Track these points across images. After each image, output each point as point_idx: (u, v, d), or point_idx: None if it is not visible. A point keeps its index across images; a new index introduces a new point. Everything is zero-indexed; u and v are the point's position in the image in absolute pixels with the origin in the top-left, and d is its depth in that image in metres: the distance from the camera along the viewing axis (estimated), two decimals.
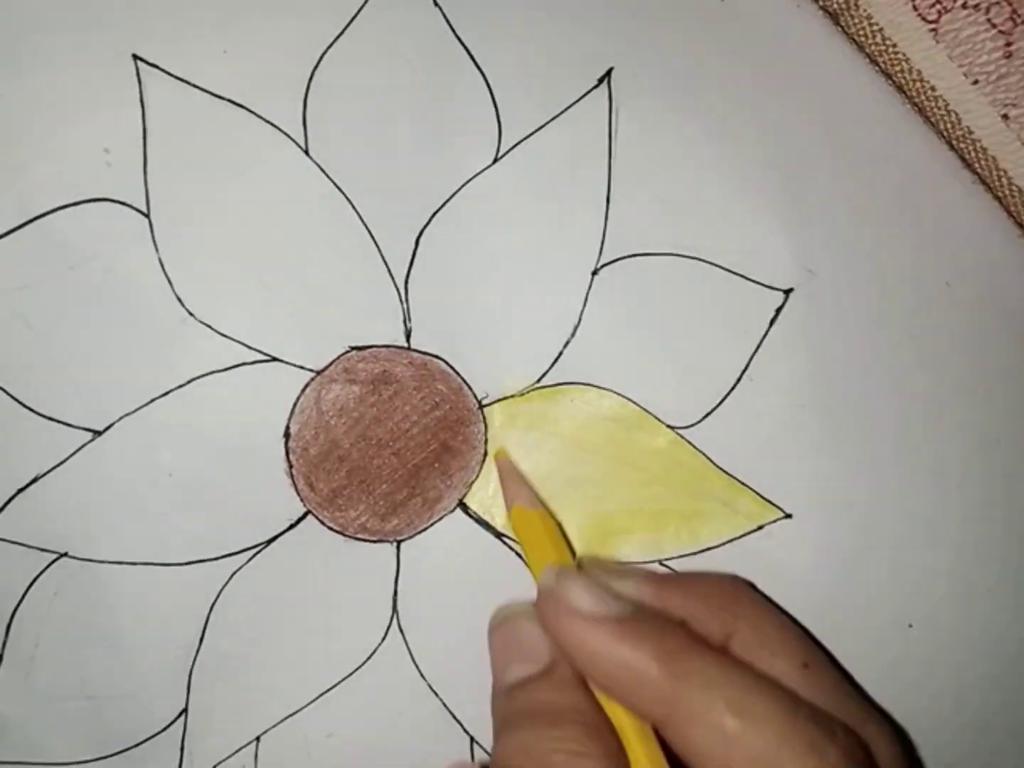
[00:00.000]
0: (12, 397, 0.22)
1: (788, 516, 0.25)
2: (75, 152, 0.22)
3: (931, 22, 0.24)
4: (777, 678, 0.20)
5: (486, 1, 0.23)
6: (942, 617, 0.25)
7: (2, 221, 0.22)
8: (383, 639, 0.24)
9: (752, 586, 0.24)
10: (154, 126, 0.23)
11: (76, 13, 0.22)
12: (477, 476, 0.25)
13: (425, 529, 0.24)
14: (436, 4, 0.23)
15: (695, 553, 0.25)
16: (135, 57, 0.22)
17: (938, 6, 0.24)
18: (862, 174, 0.25)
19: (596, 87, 0.24)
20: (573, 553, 0.24)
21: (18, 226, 0.22)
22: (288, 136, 0.23)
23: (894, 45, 0.24)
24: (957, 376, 0.25)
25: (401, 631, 0.24)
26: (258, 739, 0.24)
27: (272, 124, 0.23)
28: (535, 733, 0.19)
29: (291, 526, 0.23)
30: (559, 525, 0.24)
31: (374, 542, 0.24)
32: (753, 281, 0.25)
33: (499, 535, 0.25)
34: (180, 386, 0.23)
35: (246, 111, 0.23)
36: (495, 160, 0.24)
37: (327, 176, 0.23)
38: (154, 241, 0.23)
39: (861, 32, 0.25)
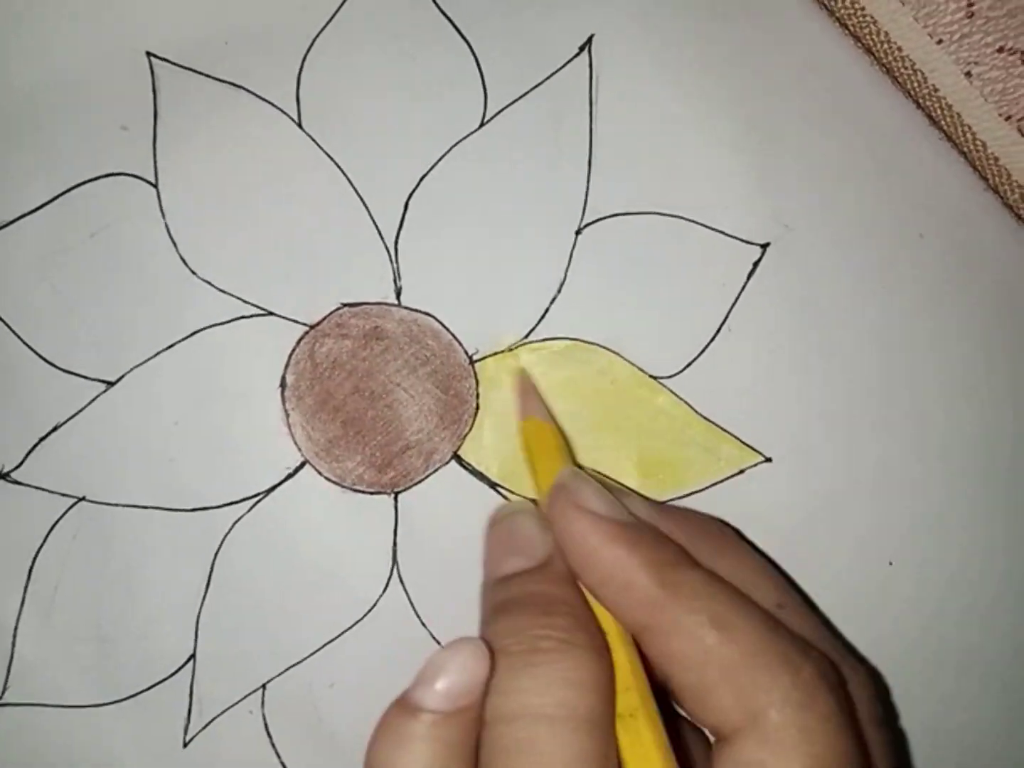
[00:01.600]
0: (35, 352, 0.24)
1: (768, 460, 0.26)
2: (96, 132, 0.24)
3: None
4: None
5: None
6: (920, 554, 0.26)
7: (36, 196, 0.24)
8: (384, 590, 0.25)
9: (737, 532, 0.25)
10: (164, 109, 0.25)
11: (100, 13, 0.25)
12: (470, 429, 0.26)
13: (421, 481, 0.25)
14: None
15: (680, 497, 0.25)
16: (148, 54, 0.25)
17: None
18: (834, 132, 0.26)
19: (577, 55, 0.25)
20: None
21: (49, 200, 0.24)
22: (283, 111, 0.25)
23: (862, 8, 0.25)
24: (931, 322, 0.26)
25: (401, 581, 0.25)
26: (264, 687, 0.25)
27: (268, 101, 0.25)
28: (526, 618, 0.19)
29: (289, 475, 0.25)
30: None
31: (372, 493, 0.25)
32: (731, 236, 0.26)
33: (493, 485, 0.26)
34: (184, 338, 0.24)
35: (245, 91, 0.25)
36: (481, 125, 0.25)
37: (319, 146, 0.25)
38: (161, 209, 0.24)
39: None
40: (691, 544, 0.21)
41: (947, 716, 0.26)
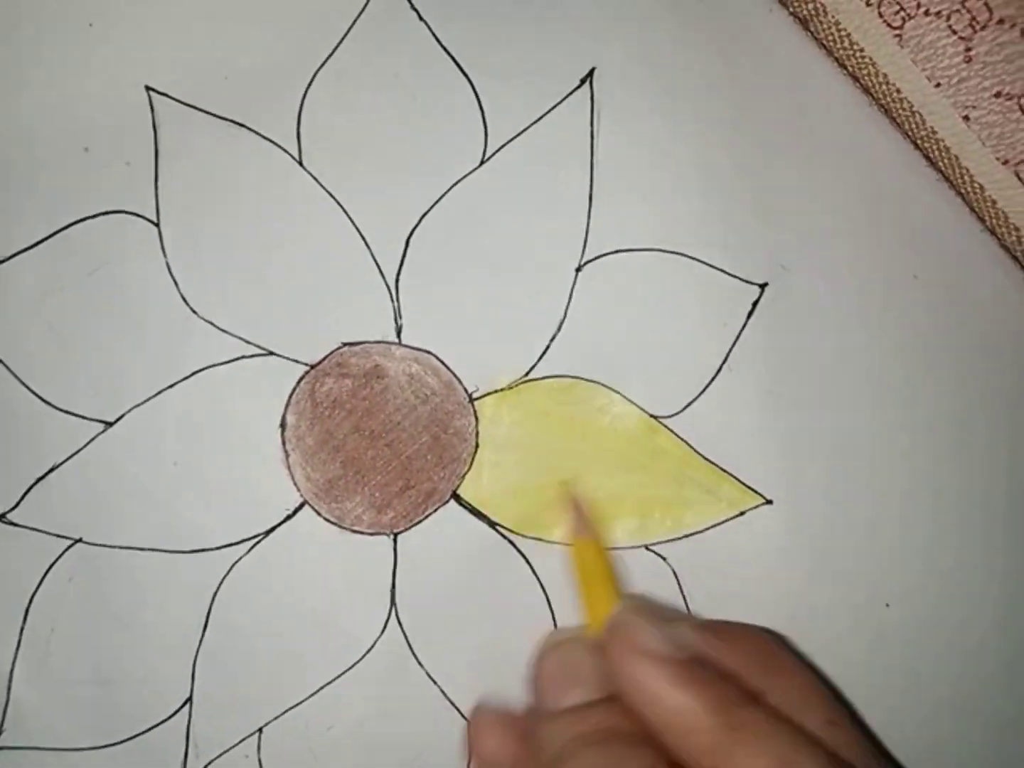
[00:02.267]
0: (33, 392, 0.24)
1: (768, 502, 0.26)
2: (96, 168, 0.24)
3: (896, 28, 0.25)
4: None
5: (470, 11, 0.25)
6: (918, 596, 0.26)
7: (33, 232, 0.24)
8: (382, 631, 0.25)
9: (784, 641, 0.25)
10: (165, 145, 0.25)
11: (98, 49, 0.24)
12: (469, 468, 0.26)
13: (420, 521, 0.25)
14: (421, 19, 0.25)
15: (679, 538, 0.25)
16: (148, 88, 0.24)
17: (902, 13, 0.25)
18: (832, 173, 0.26)
19: (579, 87, 0.25)
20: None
21: (47, 236, 0.24)
22: (283, 149, 0.25)
23: (861, 50, 0.26)
24: (927, 364, 0.26)
25: (400, 623, 0.25)
26: (260, 730, 0.25)
27: (268, 139, 0.25)
28: (614, 752, 0.19)
29: (288, 517, 0.25)
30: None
31: (371, 534, 0.25)
32: (730, 275, 0.26)
33: (493, 524, 0.25)
34: (184, 378, 0.24)
35: (245, 128, 0.25)
36: (481, 162, 0.25)
37: (320, 184, 0.25)
38: (163, 247, 0.24)
39: (830, 37, 0.26)
40: (744, 666, 0.21)
41: (942, 757, 0.26)
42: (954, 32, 0.23)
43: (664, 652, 0.20)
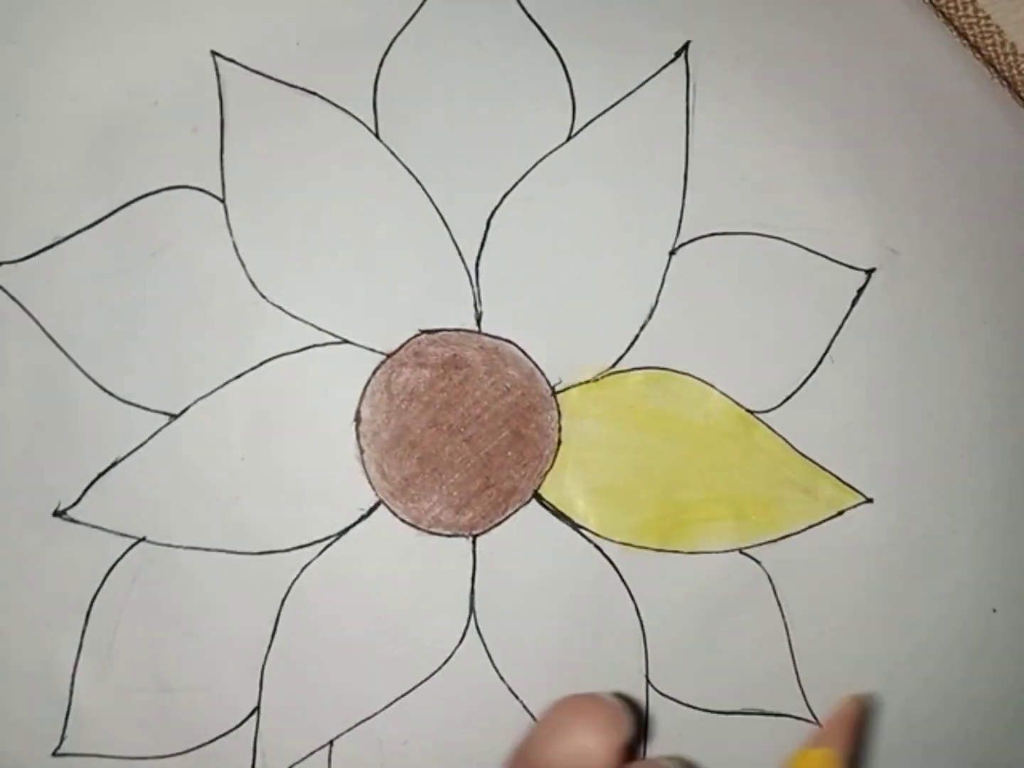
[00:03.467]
0: (94, 382, 0.23)
1: (869, 501, 0.24)
2: (159, 141, 0.23)
3: None
4: None
5: None
6: None
7: (94, 210, 0.23)
8: (461, 640, 0.24)
9: None
10: (231, 116, 0.23)
11: (158, 11, 0.23)
12: (551, 465, 0.24)
13: (501, 522, 0.24)
14: None
15: (774, 540, 0.24)
16: (213, 53, 0.23)
17: None
18: (944, 151, 0.25)
19: (672, 61, 0.24)
20: None
21: (108, 214, 0.23)
22: (359, 120, 0.23)
23: (987, 17, 0.24)
24: None
25: (479, 631, 0.24)
26: (331, 743, 0.24)
27: (343, 109, 0.23)
28: None
29: (362, 517, 0.23)
30: None
31: (449, 536, 0.24)
32: (834, 261, 0.24)
33: (576, 527, 0.24)
34: (252, 368, 0.23)
35: (318, 97, 0.23)
36: (568, 138, 0.24)
37: (397, 159, 0.24)
38: (228, 226, 0.23)
39: (950, 2, 0.24)
40: None
41: None
42: None
43: None
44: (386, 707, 0.23)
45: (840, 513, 0.24)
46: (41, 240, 0.23)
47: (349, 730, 0.23)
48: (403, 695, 0.23)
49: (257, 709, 0.23)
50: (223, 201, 0.23)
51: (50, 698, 0.23)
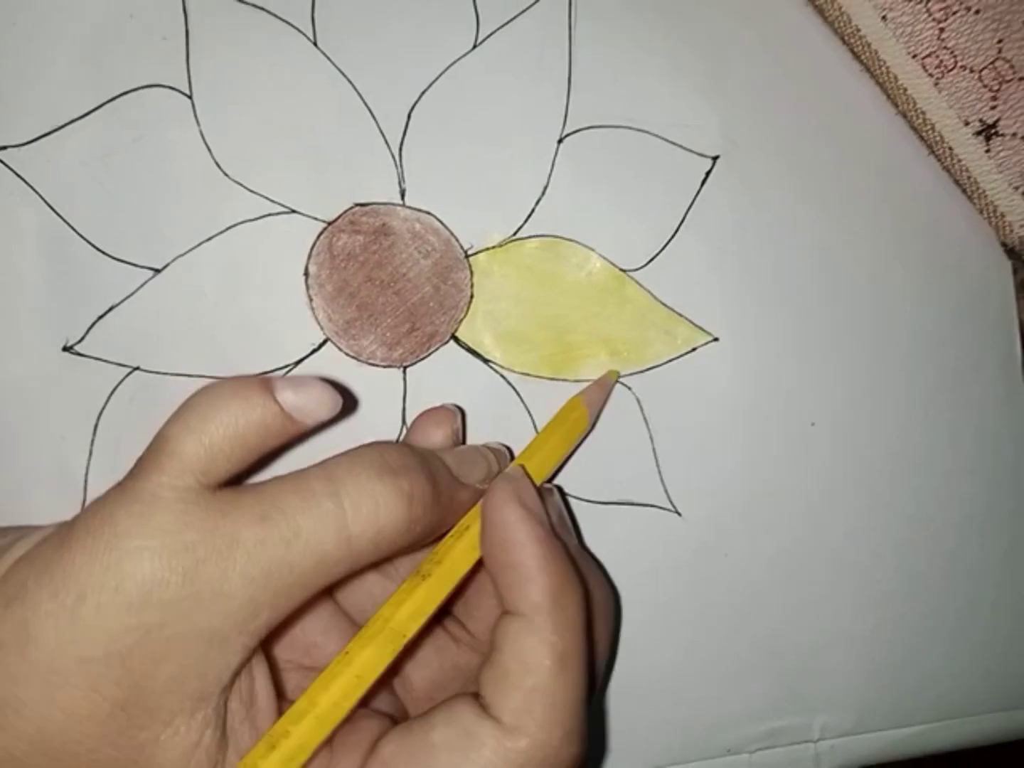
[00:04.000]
0: (91, 244, 0.27)
1: (715, 339, 0.31)
2: (136, 47, 0.27)
3: None
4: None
5: None
6: (840, 416, 0.31)
7: (84, 104, 0.27)
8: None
9: None
10: (194, 28, 0.28)
11: None
12: (465, 314, 0.30)
13: (425, 358, 0.30)
14: None
15: (642, 371, 0.30)
16: None
17: None
18: (773, 64, 0.31)
19: None
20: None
21: (95, 107, 0.27)
22: (300, 31, 0.28)
23: None
24: (848, 222, 0.31)
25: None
26: None
27: (287, 22, 0.28)
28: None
29: (314, 350, 0.29)
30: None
31: (384, 367, 0.29)
32: (688, 150, 0.30)
33: (485, 361, 0.30)
34: (220, 232, 0.28)
35: (266, 12, 0.28)
36: (474, 47, 0.29)
37: (333, 64, 0.28)
38: (196, 118, 0.28)
39: None
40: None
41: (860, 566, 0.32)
42: None
43: (531, 511, 0.23)
44: None
45: (693, 350, 0.31)
46: (42, 127, 0.27)
47: None
48: None
49: None
50: (190, 97, 0.28)
51: (68, 494, 0.27)
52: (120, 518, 0.20)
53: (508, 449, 0.29)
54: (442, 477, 0.24)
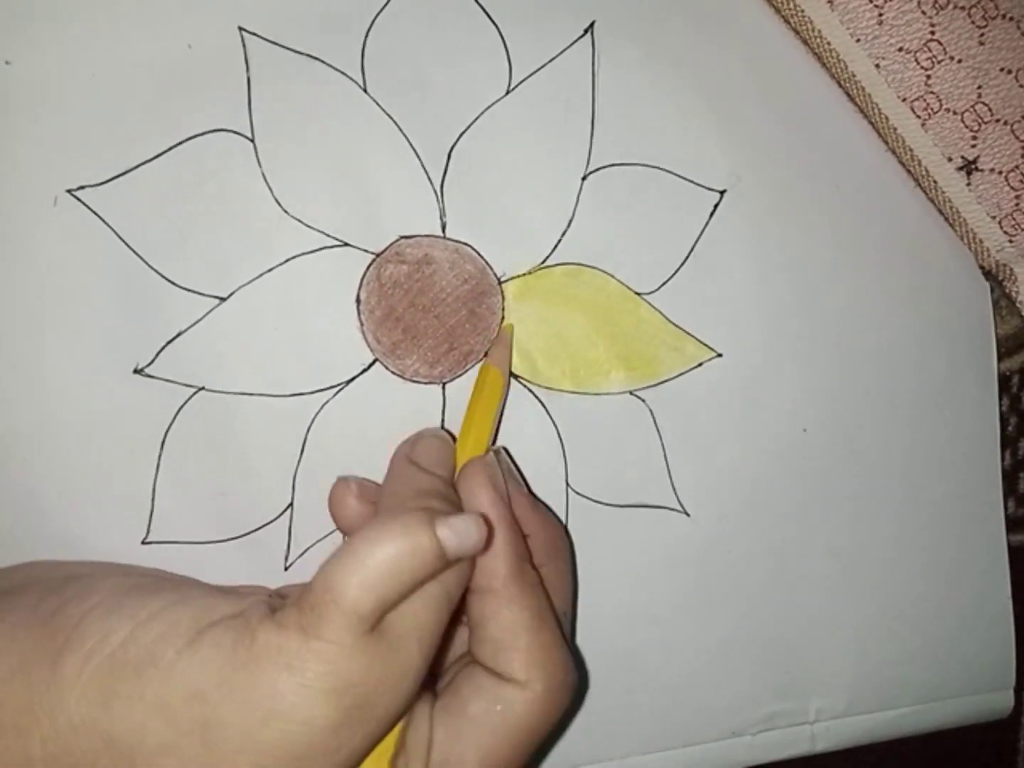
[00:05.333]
0: (161, 276, 0.30)
1: (719, 355, 0.34)
2: (201, 94, 0.30)
3: None
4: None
5: None
6: (830, 423, 0.35)
7: (154, 148, 0.30)
8: None
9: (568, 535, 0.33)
10: (255, 75, 0.30)
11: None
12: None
13: (462, 374, 0.33)
14: None
15: (655, 385, 0.34)
16: (240, 29, 0.30)
17: None
18: (775, 106, 0.34)
19: (582, 36, 0.32)
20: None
21: (166, 150, 0.30)
22: (351, 79, 0.31)
23: (802, 11, 0.33)
24: (844, 250, 0.35)
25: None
26: None
27: (339, 70, 0.31)
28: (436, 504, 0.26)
29: (364, 370, 0.32)
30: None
31: (425, 384, 0.33)
32: (697, 184, 0.33)
33: (515, 376, 0.33)
34: (279, 264, 0.31)
35: (320, 62, 0.31)
36: (507, 92, 0.32)
37: (381, 108, 0.31)
38: (258, 159, 0.31)
39: (779, 0, 0.33)
40: (541, 541, 0.28)
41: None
42: (870, 1, 0.30)
43: (502, 493, 0.27)
44: None
45: (700, 365, 0.34)
46: (116, 169, 0.29)
47: None
48: None
49: (291, 505, 0.31)
50: (252, 141, 0.31)
51: (137, 504, 0.30)
52: (304, 659, 0.22)
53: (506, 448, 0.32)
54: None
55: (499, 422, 0.32)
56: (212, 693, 0.21)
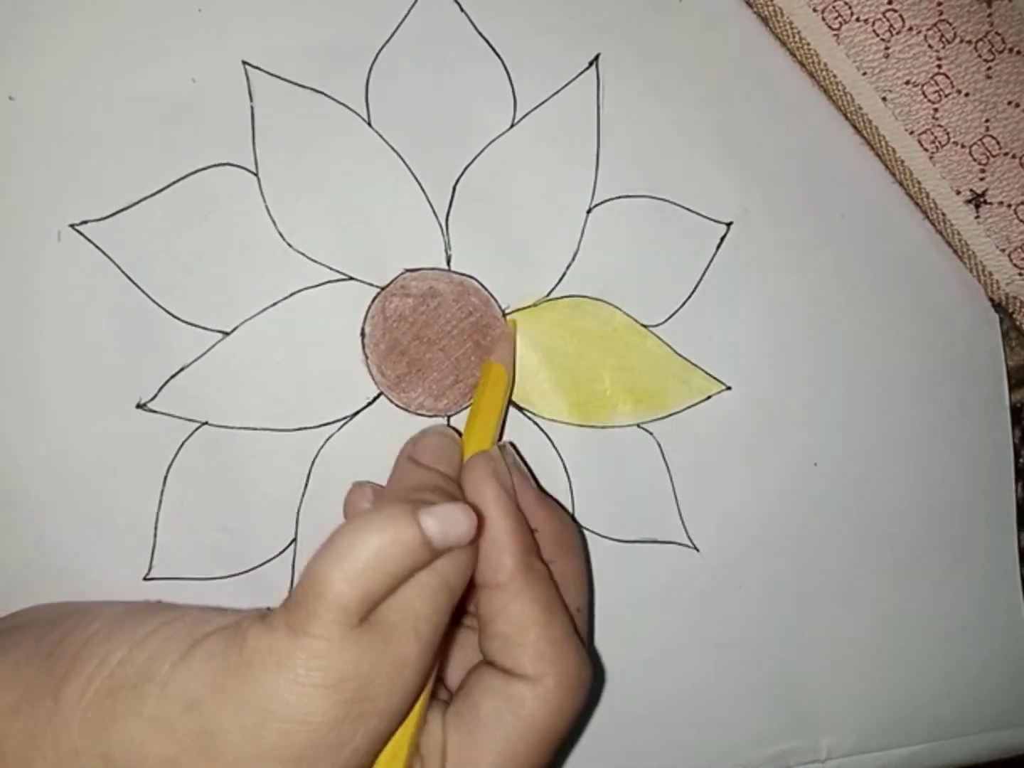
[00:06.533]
0: (165, 310, 0.30)
1: (728, 388, 0.34)
2: (205, 128, 0.30)
3: (834, 29, 0.32)
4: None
5: (502, 5, 0.31)
6: (840, 457, 0.34)
7: (158, 182, 0.30)
8: None
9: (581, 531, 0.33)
10: (259, 110, 0.30)
11: (204, 30, 0.30)
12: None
13: (467, 407, 0.32)
14: (463, 10, 0.31)
15: (662, 418, 0.33)
16: (244, 63, 0.30)
17: (839, 18, 0.32)
18: (782, 137, 0.34)
19: (587, 69, 0.32)
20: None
21: (169, 184, 0.30)
22: (355, 112, 0.31)
23: (808, 44, 0.33)
24: (849, 280, 0.34)
25: None
26: None
27: (343, 104, 0.31)
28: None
29: (368, 403, 0.32)
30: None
31: (430, 416, 0.32)
32: (704, 216, 0.33)
33: (520, 409, 0.33)
34: (284, 298, 0.30)
35: (324, 96, 0.31)
36: (511, 126, 0.32)
37: (385, 141, 0.31)
38: (262, 193, 0.30)
39: (784, 33, 0.33)
40: (551, 534, 0.28)
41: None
42: (877, 35, 0.30)
43: (507, 488, 0.26)
44: None
45: (708, 398, 0.34)
46: (119, 203, 0.29)
47: None
48: None
49: (294, 540, 0.31)
50: (256, 175, 0.30)
51: (139, 540, 0.29)
52: (294, 657, 0.21)
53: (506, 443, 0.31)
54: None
55: (504, 418, 0.32)
56: (208, 702, 0.21)
